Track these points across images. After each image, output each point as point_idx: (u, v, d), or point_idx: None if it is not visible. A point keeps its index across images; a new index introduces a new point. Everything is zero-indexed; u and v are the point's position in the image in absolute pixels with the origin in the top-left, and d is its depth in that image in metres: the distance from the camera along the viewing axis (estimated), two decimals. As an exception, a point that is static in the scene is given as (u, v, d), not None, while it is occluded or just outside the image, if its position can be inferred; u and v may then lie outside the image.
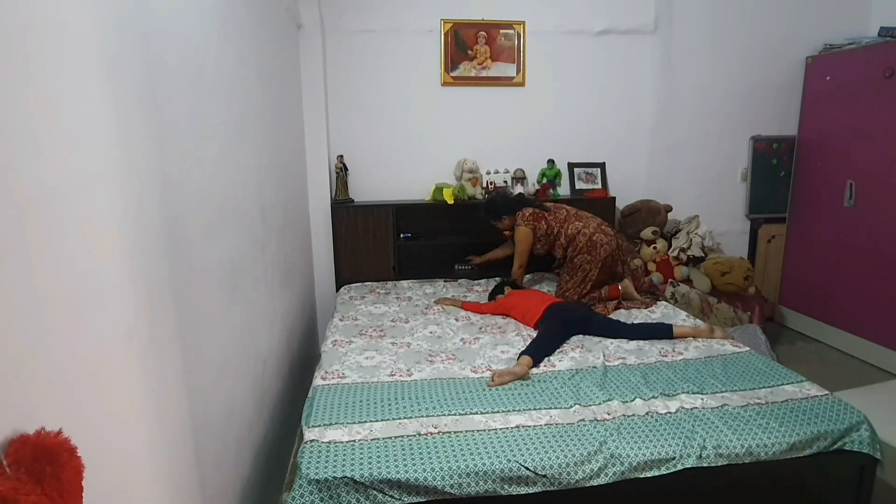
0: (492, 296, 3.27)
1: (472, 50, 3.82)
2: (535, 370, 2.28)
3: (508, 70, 3.88)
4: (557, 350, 2.46)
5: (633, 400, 2.00)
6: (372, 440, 1.77)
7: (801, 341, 3.98)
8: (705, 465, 1.73)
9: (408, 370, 2.29)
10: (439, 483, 1.61)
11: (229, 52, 1.90)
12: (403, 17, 3.72)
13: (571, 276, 3.15)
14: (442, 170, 3.88)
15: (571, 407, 1.95)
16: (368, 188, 3.88)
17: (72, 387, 0.88)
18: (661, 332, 2.44)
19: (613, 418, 1.88)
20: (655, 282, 3.79)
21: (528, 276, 3.77)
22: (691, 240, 3.83)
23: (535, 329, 2.74)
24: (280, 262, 2.64)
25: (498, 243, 3.97)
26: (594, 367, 2.29)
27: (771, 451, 1.77)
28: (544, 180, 3.94)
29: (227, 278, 1.77)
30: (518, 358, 2.31)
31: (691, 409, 1.93)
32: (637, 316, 2.92)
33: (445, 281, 3.72)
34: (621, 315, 2.95)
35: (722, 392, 2.05)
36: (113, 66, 1.05)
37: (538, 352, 2.36)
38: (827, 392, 2.03)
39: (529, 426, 1.85)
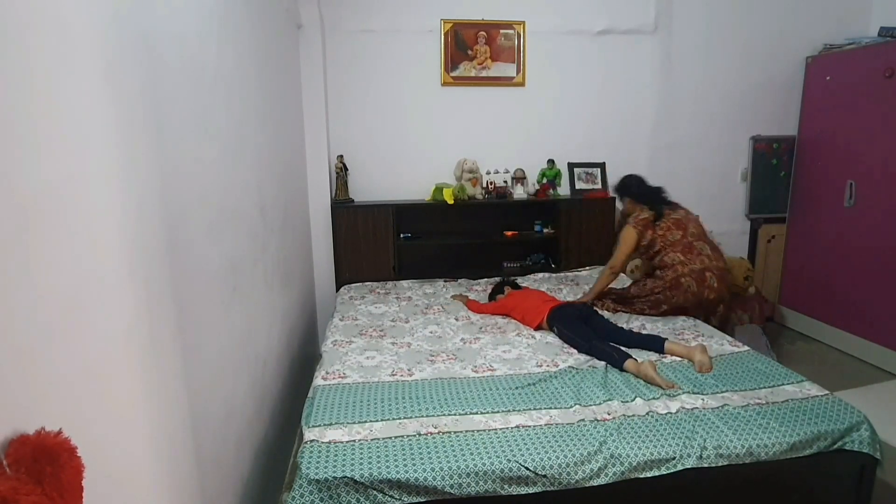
0: (492, 296, 3.27)
1: (472, 50, 3.82)
2: (537, 369, 2.29)
3: (508, 70, 3.88)
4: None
5: (633, 400, 2.00)
6: (372, 440, 1.77)
7: (801, 341, 3.98)
8: (705, 465, 1.73)
9: (409, 370, 2.29)
10: (439, 483, 1.61)
11: (229, 52, 1.90)
12: (403, 17, 3.72)
13: (647, 294, 2.99)
14: (442, 170, 3.88)
15: (571, 407, 1.95)
16: (368, 188, 3.88)
17: (72, 387, 0.88)
18: (653, 344, 2.44)
19: (613, 418, 1.88)
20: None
21: (532, 276, 3.77)
22: (691, 240, 3.83)
23: (535, 330, 2.74)
24: (280, 262, 2.64)
25: (495, 242, 3.99)
26: (595, 366, 2.29)
27: (771, 451, 1.77)
28: (544, 180, 3.94)
29: (227, 278, 1.77)
30: (623, 365, 2.23)
31: (692, 409, 1.93)
32: (639, 317, 2.92)
33: (445, 281, 3.72)
34: (622, 317, 2.95)
35: (722, 392, 2.04)
36: (113, 66, 1.05)
37: (596, 351, 2.38)
38: (827, 392, 2.03)
39: (529, 426, 1.85)
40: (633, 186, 3.19)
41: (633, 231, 3.05)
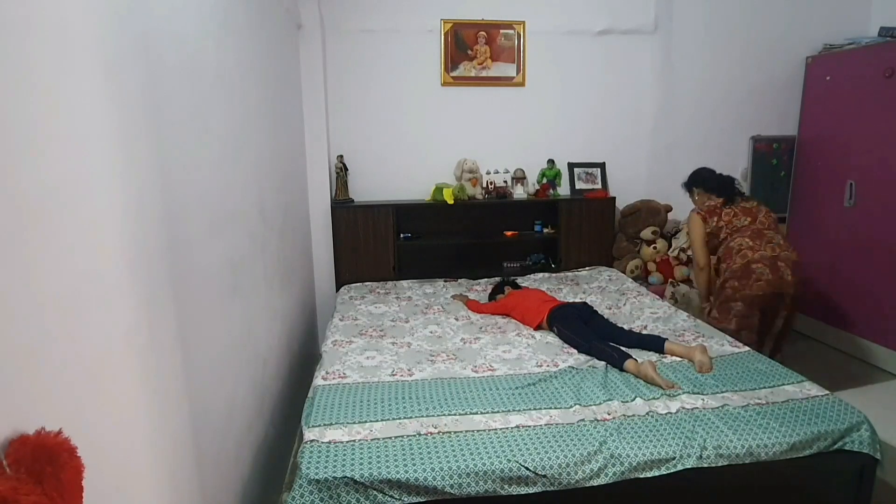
0: (492, 296, 3.27)
1: (472, 50, 3.82)
2: (537, 369, 2.29)
3: (508, 70, 3.88)
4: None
5: (633, 400, 1.99)
6: (372, 440, 1.77)
7: (801, 341, 3.98)
8: (705, 465, 1.73)
9: (409, 370, 2.29)
10: (439, 483, 1.61)
11: (229, 52, 1.90)
12: (403, 17, 3.72)
13: (716, 303, 2.80)
14: (442, 170, 3.88)
15: (571, 407, 1.95)
16: (368, 188, 3.88)
17: (72, 387, 0.88)
18: (653, 344, 2.44)
19: (613, 418, 1.88)
20: (653, 281, 3.79)
21: (532, 276, 3.77)
22: (691, 240, 3.83)
23: (535, 330, 2.74)
24: (280, 262, 2.64)
25: (495, 242, 3.99)
26: (594, 367, 2.29)
27: (771, 451, 1.77)
28: (544, 180, 3.94)
29: (227, 278, 1.77)
30: (623, 365, 2.23)
31: (692, 409, 1.93)
32: (639, 316, 2.92)
33: (445, 281, 3.72)
34: (622, 316, 2.95)
35: (722, 392, 2.04)
36: (113, 65, 1.05)
37: (596, 351, 2.38)
38: (827, 392, 2.03)
39: (529, 426, 1.85)
40: (703, 176, 3.04)
41: (697, 217, 2.91)
